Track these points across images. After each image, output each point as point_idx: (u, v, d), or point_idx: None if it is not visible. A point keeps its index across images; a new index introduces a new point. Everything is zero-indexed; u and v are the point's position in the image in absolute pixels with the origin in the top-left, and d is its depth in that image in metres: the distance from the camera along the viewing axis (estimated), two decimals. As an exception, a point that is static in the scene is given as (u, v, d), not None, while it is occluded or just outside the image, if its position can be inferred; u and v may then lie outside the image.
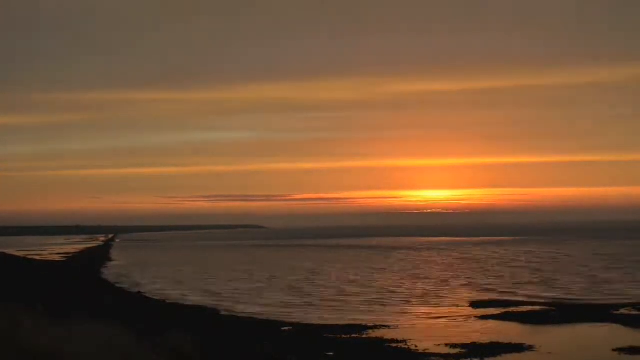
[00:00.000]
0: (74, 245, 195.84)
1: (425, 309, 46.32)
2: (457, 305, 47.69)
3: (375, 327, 37.83)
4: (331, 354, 29.40)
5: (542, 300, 49.16)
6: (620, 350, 30.21)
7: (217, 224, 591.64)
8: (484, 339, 33.47)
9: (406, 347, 31.53)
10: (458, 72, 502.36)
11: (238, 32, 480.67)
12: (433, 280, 68.00)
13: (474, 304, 47.64)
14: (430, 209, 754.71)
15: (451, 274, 76.22)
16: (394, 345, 32.03)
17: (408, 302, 50.91)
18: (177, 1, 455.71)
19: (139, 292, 58.80)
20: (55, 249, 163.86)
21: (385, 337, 34.16)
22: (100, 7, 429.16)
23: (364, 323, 39.23)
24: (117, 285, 67.16)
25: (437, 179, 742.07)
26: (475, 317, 41.76)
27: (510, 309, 44.25)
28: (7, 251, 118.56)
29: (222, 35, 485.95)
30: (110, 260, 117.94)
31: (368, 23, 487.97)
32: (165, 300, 52.89)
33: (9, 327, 13.98)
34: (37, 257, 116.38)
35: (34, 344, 12.82)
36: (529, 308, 44.80)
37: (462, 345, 31.72)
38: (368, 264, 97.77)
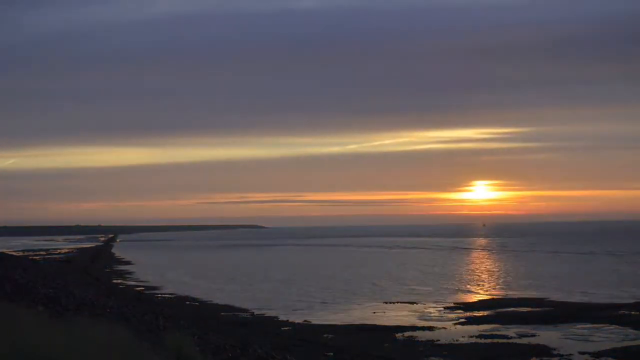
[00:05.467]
0: (74, 245, 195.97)
1: (427, 308, 46.30)
2: (458, 307, 47.70)
3: (376, 327, 37.79)
4: (331, 354, 29.40)
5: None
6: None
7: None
8: (485, 339, 33.48)
9: (406, 347, 31.52)
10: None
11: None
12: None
13: (470, 306, 47.63)
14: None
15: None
16: (394, 345, 32.03)
17: (408, 299, 50.93)
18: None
19: (140, 292, 58.88)
20: (55, 249, 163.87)
21: (386, 337, 34.16)
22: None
23: (364, 323, 39.22)
24: (120, 285, 67.24)
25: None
26: (475, 317, 41.71)
27: (510, 309, 44.31)
28: (6, 251, 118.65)
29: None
30: (112, 259, 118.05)
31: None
32: (165, 299, 52.92)
33: (9, 328, 13.97)
34: (37, 257, 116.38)
35: (34, 344, 12.82)
36: (529, 309, 44.72)
37: (464, 346, 31.73)
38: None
